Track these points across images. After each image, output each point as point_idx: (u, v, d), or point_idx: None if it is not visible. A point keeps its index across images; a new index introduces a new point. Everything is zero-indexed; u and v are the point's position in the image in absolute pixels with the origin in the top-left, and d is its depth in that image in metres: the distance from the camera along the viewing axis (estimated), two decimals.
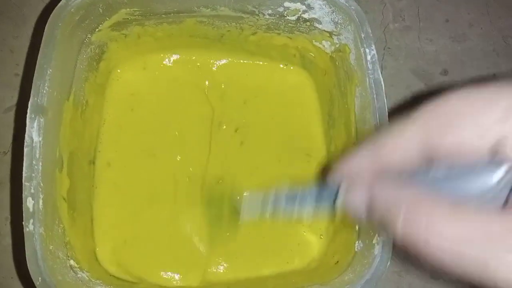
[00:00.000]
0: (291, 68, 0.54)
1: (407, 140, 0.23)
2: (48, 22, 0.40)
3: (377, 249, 0.38)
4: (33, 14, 0.59)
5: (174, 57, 0.53)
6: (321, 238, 0.48)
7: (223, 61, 0.54)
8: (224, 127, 0.52)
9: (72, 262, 0.40)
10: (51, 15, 0.41)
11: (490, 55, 0.60)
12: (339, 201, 0.27)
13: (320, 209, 0.30)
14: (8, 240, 0.51)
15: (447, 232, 0.20)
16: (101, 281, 0.41)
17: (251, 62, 0.54)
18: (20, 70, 0.57)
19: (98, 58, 0.48)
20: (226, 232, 0.47)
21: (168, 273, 0.46)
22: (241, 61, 0.54)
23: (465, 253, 0.20)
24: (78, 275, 0.40)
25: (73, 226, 0.42)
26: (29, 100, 0.38)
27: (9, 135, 0.54)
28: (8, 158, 0.54)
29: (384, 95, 0.40)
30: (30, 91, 0.37)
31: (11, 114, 0.55)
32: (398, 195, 0.23)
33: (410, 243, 0.21)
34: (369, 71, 0.41)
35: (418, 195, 0.22)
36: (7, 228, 0.52)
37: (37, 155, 0.37)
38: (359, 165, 0.26)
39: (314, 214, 0.30)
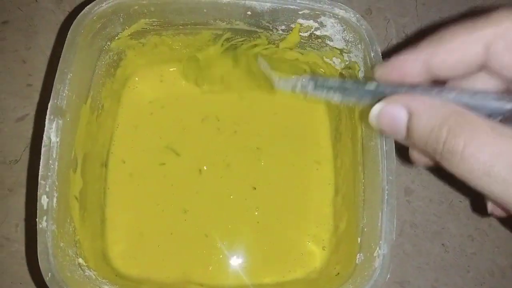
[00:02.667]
0: None
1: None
2: (70, 29, 0.42)
3: (377, 262, 0.39)
4: (45, 26, 0.60)
5: None
6: (323, 249, 0.49)
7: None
8: (239, 135, 0.53)
9: (80, 260, 0.42)
10: (74, 22, 0.42)
11: None
12: (375, 110, 0.29)
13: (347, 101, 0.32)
14: (17, 246, 0.53)
15: (488, 149, 0.23)
16: (107, 281, 0.43)
17: None
18: (32, 81, 0.58)
19: (115, 65, 0.50)
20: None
21: (176, 275, 0.48)
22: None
23: (495, 171, 0.22)
24: (86, 273, 0.41)
25: (83, 225, 0.44)
26: (43, 110, 0.40)
27: (20, 144, 0.56)
28: (18, 166, 0.55)
29: None
30: (43, 101, 0.38)
31: (23, 124, 0.57)
32: (445, 105, 0.25)
33: (449, 156, 0.24)
34: None
35: (461, 111, 0.25)
36: (17, 234, 0.53)
37: (54, 155, 0.39)
38: (409, 68, 0.29)
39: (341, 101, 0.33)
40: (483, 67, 0.28)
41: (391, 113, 0.28)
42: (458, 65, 0.28)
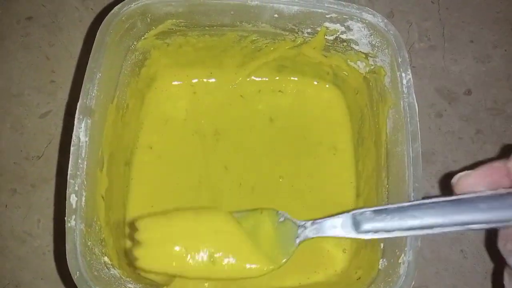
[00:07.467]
0: (323, 85, 0.56)
1: None
2: (100, 28, 0.42)
3: (402, 269, 0.39)
4: (69, 23, 0.61)
5: (211, 69, 0.55)
6: (344, 252, 0.49)
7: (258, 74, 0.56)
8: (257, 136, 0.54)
9: (106, 258, 0.42)
10: (103, 22, 0.43)
11: None
12: None
13: None
14: (39, 242, 0.53)
15: None
16: (131, 280, 0.43)
17: (283, 77, 0.56)
18: (56, 77, 0.59)
19: (140, 64, 0.50)
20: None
21: (196, 279, 0.48)
22: (275, 76, 0.56)
23: None
24: (111, 272, 0.41)
25: (108, 224, 0.44)
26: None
27: (43, 140, 0.56)
28: (41, 162, 0.55)
29: (418, 119, 0.41)
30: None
31: (46, 120, 0.57)
32: None
33: None
34: (404, 95, 0.42)
35: None
36: (39, 230, 0.54)
37: (83, 155, 0.39)
38: None
39: None
40: None
41: None
42: None
